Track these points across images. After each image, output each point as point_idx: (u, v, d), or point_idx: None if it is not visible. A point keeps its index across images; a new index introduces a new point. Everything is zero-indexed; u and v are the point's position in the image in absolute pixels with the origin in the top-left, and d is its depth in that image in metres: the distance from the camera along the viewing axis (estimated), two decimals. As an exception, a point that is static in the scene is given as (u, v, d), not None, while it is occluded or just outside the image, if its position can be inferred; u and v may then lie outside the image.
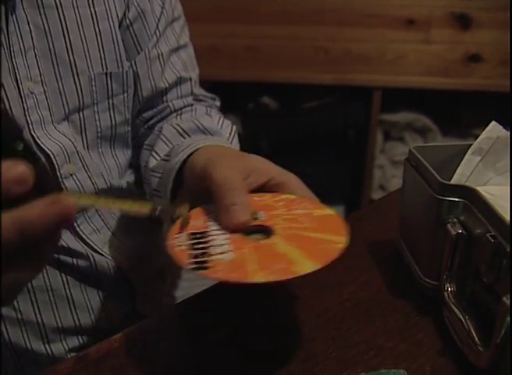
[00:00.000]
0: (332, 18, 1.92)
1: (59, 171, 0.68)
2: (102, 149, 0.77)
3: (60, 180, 0.68)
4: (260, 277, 0.43)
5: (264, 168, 0.57)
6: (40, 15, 0.66)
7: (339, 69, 1.98)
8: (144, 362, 0.52)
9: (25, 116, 0.65)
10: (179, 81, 0.82)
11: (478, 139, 0.63)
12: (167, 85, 0.81)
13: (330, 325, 0.55)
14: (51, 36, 0.67)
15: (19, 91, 0.64)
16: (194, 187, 0.59)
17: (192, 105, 0.84)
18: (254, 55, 1.98)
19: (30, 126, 0.65)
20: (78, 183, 0.71)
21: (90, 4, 0.70)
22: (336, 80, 2.00)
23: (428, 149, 0.63)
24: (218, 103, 0.92)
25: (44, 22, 0.66)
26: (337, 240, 0.48)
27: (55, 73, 0.68)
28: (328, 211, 0.53)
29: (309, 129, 2.12)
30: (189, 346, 0.54)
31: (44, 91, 0.67)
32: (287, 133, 2.13)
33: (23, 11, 0.64)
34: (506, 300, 0.43)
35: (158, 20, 0.78)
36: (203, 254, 0.46)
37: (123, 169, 0.82)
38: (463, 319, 0.51)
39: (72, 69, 0.69)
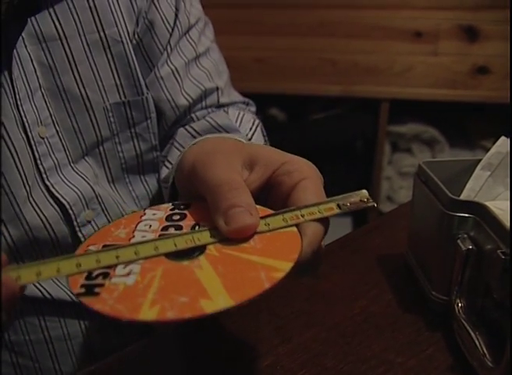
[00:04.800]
0: (340, 30, 1.92)
1: (76, 220, 0.63)
2: (130, 179, 0.72)
3: (77, 229, 0.64)
4: (149, 314, 0.35)
5: (268, 156, 0.47)
6: (43, 50, 0.60)
7: (346, 81, 1.99)
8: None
9: (37, 165, 0.60)
10: (205, 94, 0.74)
11: (488, 154, 0.63)
12: (191, 101, 0.72)
13: (340, 340, 0.55)
14: (57, 71, 0.61)
15: (29, 139, 0.59)
16: (186, 193, 0.50)
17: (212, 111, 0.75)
18: (261, 66, 1.99)
19: (44, 175, 0.61)
20: (97, 229, 0.62)
21: (99, 28, 0.63)
22: (344, 91, 2.00)
23: (438, 164, 0.63)
24: (252, 108, 0.82)
25: (48, 57, 0.60)
26: (279, 266, 0.39)
27: (66, 110, 0.63)
28: (290, 228, 0.43)
29: (317, 140, 2.12)
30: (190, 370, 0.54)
31: (57, 131, 0.62)
32: (295, 145, 2.11)
33: (25, 49, 0.58)
34: (517, 316, 0.43)
35: (171, 33, 0.70)
36: (102, 275, 0.38)
37: (156, 196, 0.75)
38: (473, 335, 0.51)
39: (85, 104, 0.64)
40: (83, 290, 0.37)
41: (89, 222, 0.65)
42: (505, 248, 0.48)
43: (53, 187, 0.61)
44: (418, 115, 2.13)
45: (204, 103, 0.74)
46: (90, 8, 0.62)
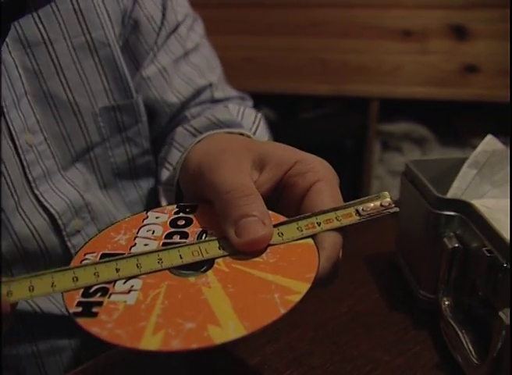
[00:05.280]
0: (329, 29, 1.92)
1: (65, 230, 0.62)
2: (122, 184, 0.70)
3: (66, 239, 0.62)
4: (151, 342, 0.31)
5: (280, 155, 0.44)
6: (28, 54, 0.57)
7: (336, 80, 1.99)
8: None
9: (25, 173, 0.58)
10: (197, 91, 0.71)
11: (474, 152, 0.63)
12: (182, 99, 0.70)
13: (327, 339, 0.55)
14: (42, 77, 0.59)
15: (16, 148, 0.57)
16: (192, 195, 0.47)
17: (209, 107, 0.71)
18: (252, 66, 1.99)
19: (33, 184, 0.59)
20: (86, 238, 0.62)
21: (85, 31, 0.60)
22: (334, 90, 2.00)
23: (425, 163, 0.63)
24: (249, 103, 0.79)
25: (33, 62, 0.58)
26: (295, 288, 0.35)
27: (54, 116, 0.60)
28: (306, 240, 0.40)
29: (307, 140, 2.12)
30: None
31: (45, 138, 0.60)
32: (286, 144, 2.13)
33: (9, 55, 0.56)
34: (502, 314, 0.43)
35: (158, 32, 0.68)
36: (100, 290, 0.35)
37: (150, 201, 0.72)
38: (459, 333, 0.51)
39: (73, 109, 0.61)
40: (79, 309, 0.34)
41: (78, 231, 0.63)
42: (490, 246, 0.48)
43: (42, 197, 0.60)
44: (409, 114, 2.14)
45: (197, 100, 0.72)
46: (74, 10, 0.60)
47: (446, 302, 0.54)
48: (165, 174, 0.63)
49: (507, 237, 0.47)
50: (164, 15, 0.69)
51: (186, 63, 0.71)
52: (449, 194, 0.62)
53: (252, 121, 0.68)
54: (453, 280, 0.54)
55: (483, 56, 1.90)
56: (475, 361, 0.48)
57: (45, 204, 0.60)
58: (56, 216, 0.61)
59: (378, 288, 0.63)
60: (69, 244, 0.62)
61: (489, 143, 0.64)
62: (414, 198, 0.58)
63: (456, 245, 0.52)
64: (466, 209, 0.53)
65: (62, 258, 0.62)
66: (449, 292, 0.54)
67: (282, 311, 0.33)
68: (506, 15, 1.77)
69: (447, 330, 0.53)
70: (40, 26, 0.58)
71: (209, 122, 0.63)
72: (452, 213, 0.54)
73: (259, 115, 0.70)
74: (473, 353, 0.49)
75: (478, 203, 0.54)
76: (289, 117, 2.16)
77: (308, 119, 2.15)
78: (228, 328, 0.32)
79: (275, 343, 0.54)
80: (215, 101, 0.73)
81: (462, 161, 0.64)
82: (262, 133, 0.67)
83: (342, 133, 2.13)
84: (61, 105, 0.61)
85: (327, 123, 2.13)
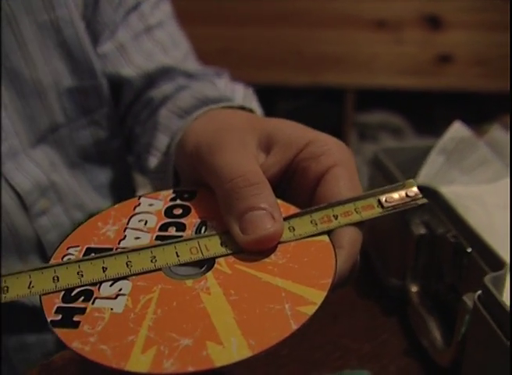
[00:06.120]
0: (304, 20, 1.92)
1: (31, 210, 0.59)
2: (89, 168, 0.66)
3: (33, 220, 0.60)
4: (141, 363, 0.27)
5: (289, 134, 0.39)
6: None
7: (312, 71, 1.99)
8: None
9: None
10: (164, 69, 0.65)
11: (442, 139, 0.64)
12: (142, 73, 0.64)
13: (296, 327, 0.55)
14: (5, 52, 0.56)
15: None
16: (189, 179, 0.42)
17: (188, 86, 0.63)
18: (226, 57, 1.98)
19: None
20: (52, 219, 0.61)
21: (48, 9, 0.57)
22: (310, 81, 2.00)
23: (394, 151, 0.63)
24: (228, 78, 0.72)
25: None
26: (308, 296, 0.30)
27: (17, 93, 0.58)
28: (321, 236, 0.34)
29: (283, 131, 2.12)
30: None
31: (9, 116, 0.57)
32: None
33: None
34: (466, 298, 0.43)
35: (116, 10, 0.63)
36: (83, 293, 0.31)
37: (120, 187, 0.70)
38: (426, 319, 0.51)
39: (36, 87, 0.59)
40: (59, 316, 0.30)
41: (44, 213, 0.61)
42: (455, 231, 0.49)
43: (8, 175, 0.57)
44: (385, 104, 2.14)
45: (166, 78, 0.65)
46: None
47: (414, 289, 0.54)
48: (152, 161, 0.56)
49: (479, 223, 0.48)
50: None
51: (148, 40, 0.66)
52: (418, 182, 0.62)
53: (242, 96, 0.63)
54: (420, 267, 0.54)
55: (458, 46, 1.91)
56: (441, 346, 0.48)
57: (11, 183, 0.58)
58: (22, 195, 0.58)
59: (347, 276, 0.63)
60: (35, 225, 0.60)
61: (457, 130, 0.64)
62: (381, 186, 0.58)
63: (423, 232, 0.52)
64: (432, 196, 0.53)
65: (30, 241, 0.61)
66: (416, 279, 0.54)
67: (294, 326, 0.29)
68: (479, 4, 1.78)
69: (415, 316, 0.53)
70: (4, 1, 0.56)
71: (196, 100, 0.55)
72: (418, 200, 0.54)
73: (250, 89, 0.65)
74: (439, 338, 0.49)
75: (446, 190, 0.54)
76: (265, 109, 2.15)
77: (285, 111, 2.14)
78: (230, 347, 0.28)
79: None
80: (189, 76, 0.67)
81: (431, 148, 0.64)
82: (257, 111, 0.60)
83: (318, 124, 2.11)
84: (25, 82, 0.58)
85: (303, 115, 2.12)
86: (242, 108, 0.50)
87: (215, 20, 1.95)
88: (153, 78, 0.65)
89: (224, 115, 0.45)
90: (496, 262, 0.43)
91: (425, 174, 0.63)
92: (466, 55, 1.91)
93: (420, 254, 0.53)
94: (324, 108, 2.13)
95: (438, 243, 0.52)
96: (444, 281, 0.51)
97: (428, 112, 2.16)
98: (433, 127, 2.14)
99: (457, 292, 0.48)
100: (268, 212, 0.33)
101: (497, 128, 0.66)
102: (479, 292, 0.41)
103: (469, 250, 0.46)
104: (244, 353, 0.28)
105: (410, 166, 0.62)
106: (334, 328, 0.55)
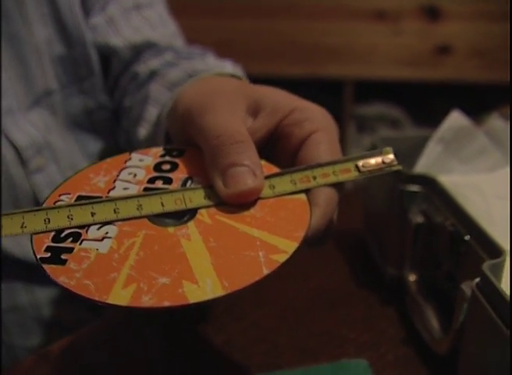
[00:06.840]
0: (302, 11, 1.91)
1: (28, 166, 0.61)
2: (82, 135, 0.68)
3: (28, 176, 0.61)
4: (121, 297, 0.29)
5: (276, 101, 0.41)
6: None
7: (310, 63, 1.98)
8: (112, 357, 0.51)
9: None
10: (151, 43, 0.67)
11: (440, 128, 0.63)
12: (129, 45, 0.66)
13: (293, 316, 0.55)
14: (6, 16, 0.58)
15: None
16: (180, 140, 0.44)
17: (176, 63, 0.65)
18: (223, 49, 1.96)
19: None
20: (47, 178, 0.63)
21: None
22: (308, 73, 1.99)
23: (392, 140, 0.63)
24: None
25: None
26: (281, 246, 0.33)
27: (16, 56, 0.60)
28: (299, 195, 0.37)
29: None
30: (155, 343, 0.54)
31: (9, 77, 0.59)
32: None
33: None
34: (464, 286, 0.43)
35: None
36: (71, 235, 0.33)
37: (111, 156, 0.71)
38: (424, 308, 0.51)
39: (34, 52, 0.61)
40: (48, 254, 0.32)
41: (40, 170, 0.62)
42: (453, 219, 0.48)
43: (6, 131, 0.59)
44: (383, 95, 2.14)
45: (153, 52, 0.67)
46: None
47: (412, 278, 0.54)
48: (141, 132, 0.58)
49: (477, 213, 0.47)
50: None
51: (137, 16, 0.68)
52: (416, 171, 0.62)
53: (231, 69, 0.64)
54: (418, 256, 0.54)
55: (457, 37, 1.91)
56: (439, 335, 0.48)
57: (10, 137, 0.59)
58: (19, 150, 0.59)
59: (346, 265, 0.62)
60: (31, 182, 0.61)
61: (455, 119, 0.64)
62: (379, 175, 0.58)
63: (421, 221, 0.52)
64: (430, 184, 0.53)
65: (26, 197, 0.62)
66: (414, 268, 0.54)
67: (266, 271, 0.31)
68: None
69: (413, 305, 0.53)
70: None
71: (187, 75, 0.58)
72: (416, 189, 0.53)
73: (239, 66, 0.66)
74: (437, 327, 0.49)
75: (445, 179, 0.53)
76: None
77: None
78: (205, 286, 0.30)
79: (239, 321, 0.54)
80: (177, 53, 0.68)
81: (430, 138, 0.64)
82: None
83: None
84: (23, 46, 0.60)
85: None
86: (232, 76, 0.52)
87: (212, 12, 1.94)
88: (140, 51, 0.67)
89: (215, 81, 0.48)
90: (494, 250, 0.43)
91: (423, 164, 0.63)
92: (465, 46, 1.90)
93: (418, 243, 0.53)
94: (322, 99, 2.08)
95: (436, 232, 0.51)
96: (442, 270, 0.51)
97: (427, 103, 2.16)
98: (432, 119, 2.13)
99: (455, 281, 0.48)
100: (250, 169, 0.35)
101: (496, 118, 0.66)
102: (477, 280, 0.41)
103: (467, 238, 0.46)
104: (217, 292, 0.29)
105: (409, 156, 0.62)
106: (332, 317, 0.55)
